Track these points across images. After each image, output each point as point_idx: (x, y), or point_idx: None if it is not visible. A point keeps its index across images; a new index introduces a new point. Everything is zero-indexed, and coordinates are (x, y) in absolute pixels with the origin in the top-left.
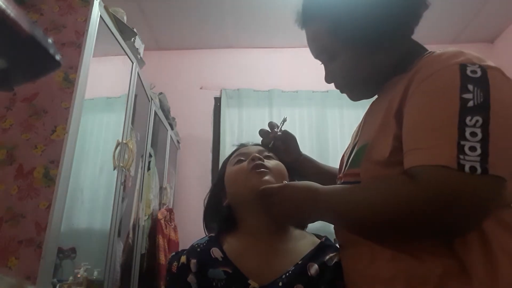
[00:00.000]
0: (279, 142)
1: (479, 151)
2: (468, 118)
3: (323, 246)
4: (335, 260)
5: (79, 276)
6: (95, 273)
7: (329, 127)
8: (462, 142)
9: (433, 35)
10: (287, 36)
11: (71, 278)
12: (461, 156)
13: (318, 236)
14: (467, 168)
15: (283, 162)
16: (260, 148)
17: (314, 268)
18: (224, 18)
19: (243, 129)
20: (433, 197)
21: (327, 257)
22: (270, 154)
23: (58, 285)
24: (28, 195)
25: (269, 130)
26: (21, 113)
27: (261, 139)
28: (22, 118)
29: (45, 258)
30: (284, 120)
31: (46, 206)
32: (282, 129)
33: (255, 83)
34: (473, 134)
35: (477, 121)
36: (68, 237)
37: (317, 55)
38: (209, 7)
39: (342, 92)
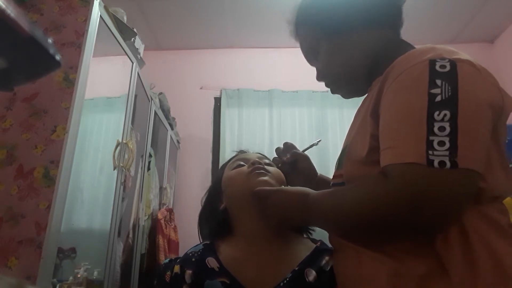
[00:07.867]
0: (286, 166)
1: (447, 145)
2: (436, 113)
3: (319, 250)
4: (331, 264)
5: (79, 276)
6: (95, 273)
7: (329, 127)
8: (431, 138)
9: (433, 35)
10: (287, 36)
11: (71, 278)
12: (430, 152)
13: (313, 240)
14: (436, 163)
15: (296, 184)
16: (260, 155)
17: (312, 274)
18: (224, 18)
19: (243, 129)
20: (403, 195)
21: (324, 261)
22: (270, 162)
23: (58, 285)
24: (28, 195)
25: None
26: (21, 113)
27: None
28: (22, 118)
29: (45, 258)
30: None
31: (46, 206)
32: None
33: (255, 83)
34: (442, 128)
35: (445, 115)
36: (68, 237)
37: (308, 58)
38: (209, 7)
39: (333, 92)
